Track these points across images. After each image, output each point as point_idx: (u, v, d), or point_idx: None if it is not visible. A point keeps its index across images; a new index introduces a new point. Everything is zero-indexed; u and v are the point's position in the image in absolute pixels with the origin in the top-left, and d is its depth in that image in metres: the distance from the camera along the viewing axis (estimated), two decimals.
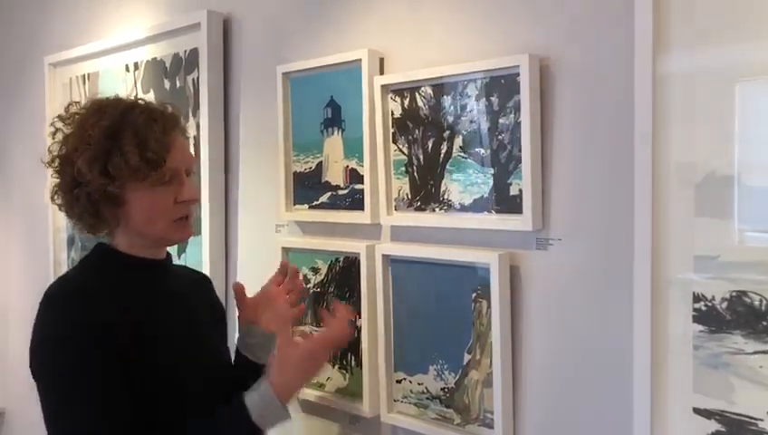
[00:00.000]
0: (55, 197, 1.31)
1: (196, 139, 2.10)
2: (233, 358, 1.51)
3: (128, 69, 2.38)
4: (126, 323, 1.21)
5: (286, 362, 1.29)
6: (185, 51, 2.14)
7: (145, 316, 1.27)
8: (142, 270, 1.32)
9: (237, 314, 1.54)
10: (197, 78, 2.08)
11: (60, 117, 1.31)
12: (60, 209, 1.32)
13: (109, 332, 1.18)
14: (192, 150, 1.42)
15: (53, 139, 1.30)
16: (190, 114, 2.13)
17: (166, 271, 1.39)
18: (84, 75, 2.61)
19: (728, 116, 1.16)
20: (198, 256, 2.10)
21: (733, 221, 1.15)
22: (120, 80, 2.42)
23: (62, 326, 1.18)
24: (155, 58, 2.26)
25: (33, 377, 1.21)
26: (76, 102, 1.35)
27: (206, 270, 2.05)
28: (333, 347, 1.41)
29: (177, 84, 2.18)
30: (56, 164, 1.29)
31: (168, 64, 2.22)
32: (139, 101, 1.31)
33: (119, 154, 1.22)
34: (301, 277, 1.65)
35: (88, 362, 1.16)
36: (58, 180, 1.29)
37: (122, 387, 1.18)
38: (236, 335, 1.54)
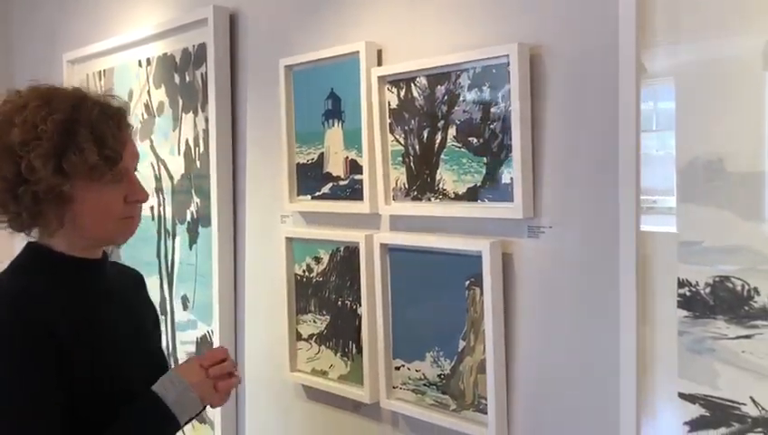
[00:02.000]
0: None
1: (206, 132, 2.14)
2: None
3: (140, 64, 2.44)
4: (67, 324, 1.15)
5: (184, 367, 1.27)
6: (193, 46, 2.19)
7: (86, 316, 1.21)
8: (80, 270, 1.25)
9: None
10: (206, 72, 2.13)
11: None
12: None
13: (50, 333, 1.12)
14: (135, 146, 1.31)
15: None
16: (199, 108, 2.18)
17: (103, 270, 1.31)
18: (101, 71, 2.68)
19: (711, 104, 1.16)
20: (208, 246, 2.15)
21: (716, 207, 1.16)
22: (133, 75, 2.48)
23: (2, 331, 1.11)
24: (165, 53, 2.31)
25: None
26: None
27: (215, 260, 2.11)
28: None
29: (187, 79, 2.23)
30: None
31: (177, 59, 2.26)
32: (86, 93, 1.22)
33: (76, 151, 1.14)
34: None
35: (27, 364, 1.10)
36: None
37: (57, 389, 1.12)
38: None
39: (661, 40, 1.22)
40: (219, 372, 1.27)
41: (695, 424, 1.20)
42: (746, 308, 1.13)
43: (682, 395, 1.21)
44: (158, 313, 1.54)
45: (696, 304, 1.19)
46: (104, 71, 2.66)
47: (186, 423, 1.25)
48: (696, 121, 1.19)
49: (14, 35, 3.37)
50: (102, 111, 1.20)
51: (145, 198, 1.26)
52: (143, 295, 1.48)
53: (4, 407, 1.10)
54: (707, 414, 1.18)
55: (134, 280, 1.48)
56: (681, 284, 1.21)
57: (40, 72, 3.10)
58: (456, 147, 1.52)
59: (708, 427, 1.18)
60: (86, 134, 1.15)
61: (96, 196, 1.19)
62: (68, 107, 1.16)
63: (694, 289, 1.19)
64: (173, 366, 1.35)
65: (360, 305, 1.72)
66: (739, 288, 1.13)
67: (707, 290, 1.17)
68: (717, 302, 1.16)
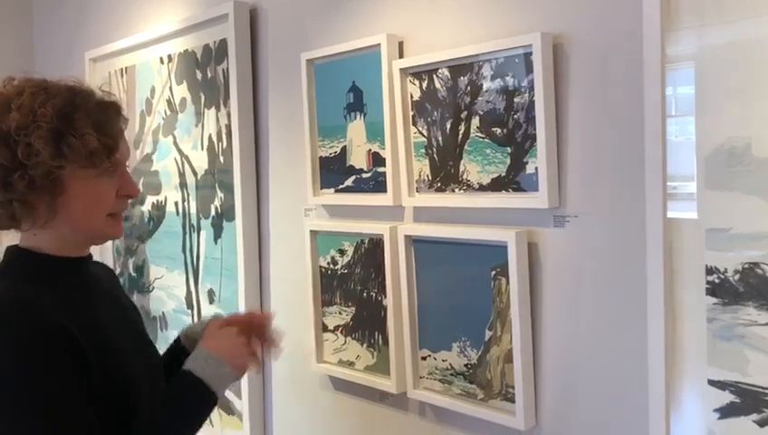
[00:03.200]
0: None
1: (228, 127, 2.16)
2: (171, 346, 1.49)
3: (162, 61, 2.46)
4: (76, 328, 1.13)
5: (213, 335, 1.30)
6: (214, 42, 2.20)
7: (87, 318, 1.19)
8: (69, 270, 1.24)
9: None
10: (227, 68, 2.14)
11: None
12: None
13: (68, 337, 1.11)
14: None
15: None
16: (221, 104, 2.19)
17: (89, 269, 1.30)
18: (122, 69, 2.70)
19: (737, 88, 1.15)
20: (233, 240, 2.17)
21: (743, 193, 1.15)
22: (155, 72, 2.50)
23: (19, 344, 1.08)
24: (187, 50, 2.33)
25: None
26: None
27: (240, 254, 2.13)
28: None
29: (209, 75, 2.25)
30: None
31: (199, 55, 2.28)
32: (82, 84, 1.22)
33: (75, 135, 1.13)
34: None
35: (56, 373, 1.09)
36: None
37: (84, 395, 1.11)
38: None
39: (686, 24, 1.21)
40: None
41: (725, 411, 1.20)
42: None
43: (711, 382, 1.21)
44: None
45: (724, 290, 1.19)
46: (126, 68, 2.68)
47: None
48: (721, 106, 1.18)
49: (35, 34, 3.41)
50: (99, 99, 1.20)
51: (136, 193, 1.27)
52: (117, 285, 1.48)
53: (33, 420, 1.07)
54: (738, 401, 1.18)
55: (109, 272, 1.48)
56: (709, 271, 1.20)
57: (62, 70, 3.16)
58: (480, 137, 1.52)
59: (739, 413, 1.18)
60: (85, 120, 1.15)
61: (89, 186, 1.18)
62: (66, 93, 1.17)
63: (722, 276, 1.19)
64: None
65: (386, 297, 1.74)
66: None
67: (736, 277, 1.17)
68: (747, 288, 1.16)
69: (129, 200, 1.28)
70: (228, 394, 2.22)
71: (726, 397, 1.20)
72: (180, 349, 1.44)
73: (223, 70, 2.18)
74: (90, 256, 1.30)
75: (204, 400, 1.23)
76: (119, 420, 1.18)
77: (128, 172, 1.27)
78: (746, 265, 1.16)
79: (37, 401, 1.07)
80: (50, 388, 1.08)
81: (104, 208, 1.22)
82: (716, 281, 1.20)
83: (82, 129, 1.14)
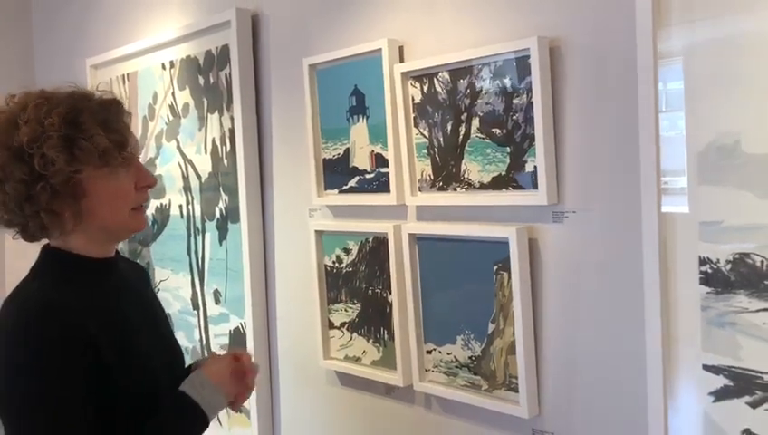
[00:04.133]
0: (10, 198, 1.19)
1: (231, 131, 2.21)
2: None
3: (164, 67, 2.51)
4: (96, 326, 1.19)
5: (212, 365, 1.37)
6: (216, 47, 2.25)
7: (111, 317, 1.25)
8: (99, 270, 1.29)
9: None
10: (230, 73, 2.19)
11: None
12: (10, 213, 1.21)
13: (81, 336, 1.16)
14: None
15: None
16: (224, 108, 2.25)
17: (118, 269, 1.36)
18: (124, 75, 2.75)
19: (727, 83, 1.21)
20: (238, 241, 2.22)
21: (734, 187, 1.22)
22: (157, 78, 2.55)
23: (37, 344, 1.13)
24: (189, 56, 2.38)
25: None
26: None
27: (245, 255, 2.18)
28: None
29: (211, 80, 2.30)
30: None
31: (201, 61, 2.33)
32: (80, 88, 1.27)
33: (85, 138, 1.18)
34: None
35: (60, 370, 1.14)
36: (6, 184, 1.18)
37: (89, 394, 1.16)
38: None
39: (675, 19, 1.26)
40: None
41: (719, 394, 1.26)
42: (766, 282, 1.19)
43: (706, 367, 1.28)
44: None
45: (717, 280, 1.25)
46: (128, 74, 2.73)
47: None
48: (711, 102, 1.24)
49: (35, 42, 3.44)
50: (101, 101, 1.25)
51: (154, 182, 1.32)
52: (151, 289, 1.55)
53: (39, 415, 1.13)
54: (731, 384, 1.25)
55: (140, 272, 1.54)
56: (702, 262, 1.27)
57: (62, 77, 3.19)
58: (480, 138, 1.58)
59: (732, 396, 1.24)
60: (91, 121, 1.19)
61: (108, 184, 1.23)
62: (68, 100, 1.21)
63: (715, 266, 1.25)
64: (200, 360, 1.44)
65: (390, 293, 1.79)
66: (759, 264, 1.19)
67: (728, 267, 1.23)
68: (738, 277, 1.22)
69: (149, 190, 1.34)
70: None
71: (720, 381, 1.26)
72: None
73: (225, 75, 2.23)
74: (117, 255, 1.37)
75: (197, 424, 1.29)
76: (137, 417, 1.23)
77: (142, 164, 1.32)
78: (737, 256, 1.22)
79: (46, 399, 1.13)
80: (59, 391, 1.13)
81: (127, 202, 1.27)
82: (709, 271, 1.26)
83: (90, 130, 1.19)
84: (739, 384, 1.24)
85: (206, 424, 1.30)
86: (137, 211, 1.30)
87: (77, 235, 1.25)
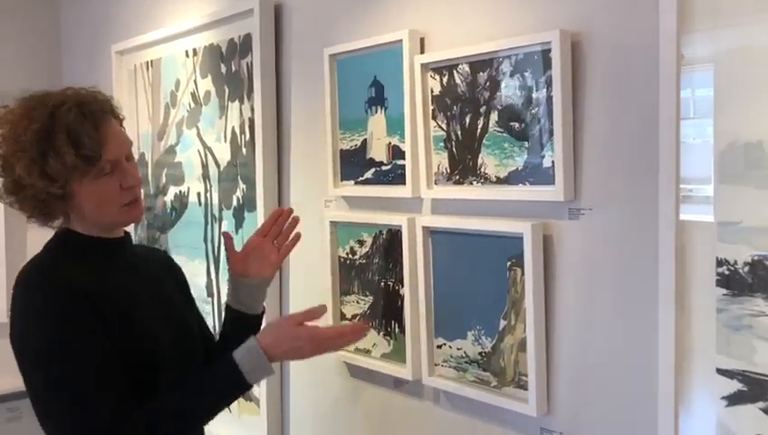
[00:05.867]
0: (3, 196, 1.34)
1: (251, 120, 2.22)
2: (224, 316, 1.61)
3: (187, 54, 2.52)
4: (97, 289, 1.28)
5: (278, 331, 1.34)
6: (239, 36, 2.26)
7: (113, 284, 1.33)
8: (104, 248, 1.38)
9: (228, 268, 1.63)
10: (251, 62, 2.20)
11: None
12: (12, 206, 1.35)
13: (91, 300, 1.25)
14: (129, 134, 1.44)
15: None
16: (245, 97, 2.25)
17: (124, 248, 1.45)
18: (148, 62, 2.77)
19: (752, 88, 1.19)
20: (253, 230, 2.21)
21: (755, 188, 1.19)
22: (180, 65, 2.57)
23: (46, 298, 1.24)
24: (212, 44, 2.39)
25: (20, 358, 1.26)
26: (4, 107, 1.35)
27: None
28: (323, 346, 1.37)
29: (233, 68, 2.30)
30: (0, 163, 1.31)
31: (224, 49, 2.34)
32: (68, 93, 1.32)
33: (54, 156, 1.25)
34: (292, 216, 1.68)
35: (80, 329, 1.23)
36: (2, 180, 1.32)
37: (112, 355, 1.25)
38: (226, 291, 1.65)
39: (701, 25, 1.25)
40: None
41: (732, 398, 1.24)
42: None
43: (720, 371, 1.25)
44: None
45: (734, 282, 1.22)
46: (152, 61, 2.75)
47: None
48: (735, 105, 1.22)
49: (63, 28, 3.49)
50: (80, 112, 1.28)
51: (137, 183, 1.37)
52: (172, 274, 1.61)
53: (60, 374, 1.22)
54: (745, 389, 1.22)
55: (162, 259, 1.63)
56: (720, 263, 1.24)
57: (89, 63, 3.23)
58: (498, 132, 1.57)
59: (746, 401, 1.22)
60: (63, 138, 1.25)
61: (92, 188, 1.30)
62: (46, 115, 1.27)
63: (732, 268, 1.22)
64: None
65: (403, 286, 1.78)
66: None
67: (746, 269, 1.21)
68: (756, 280, 1.20)
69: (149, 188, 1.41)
70: None
71: (734, 385, 1.23)
72: (234, 315, 1.58)
73: (247, 64, 2.23)
74: (125, 237, 1.46)
75: (235, 386, 1.31)
76: (144, 377, 1.30)
77: (127, 165, 1.35)
78: (756, 258, 1.20)
79: (61, 343, 1.22)
80: (71, 334, 1.23)
81: (112, 203, 1.34)
82: (726, 273, 1.23)
83: (60, 147, 1.25)
84: (753, 389, 1.21)
85: (246, 390, 1.32)
86: (129, 206, 1.36)
87: (76, 222, 1.36)
